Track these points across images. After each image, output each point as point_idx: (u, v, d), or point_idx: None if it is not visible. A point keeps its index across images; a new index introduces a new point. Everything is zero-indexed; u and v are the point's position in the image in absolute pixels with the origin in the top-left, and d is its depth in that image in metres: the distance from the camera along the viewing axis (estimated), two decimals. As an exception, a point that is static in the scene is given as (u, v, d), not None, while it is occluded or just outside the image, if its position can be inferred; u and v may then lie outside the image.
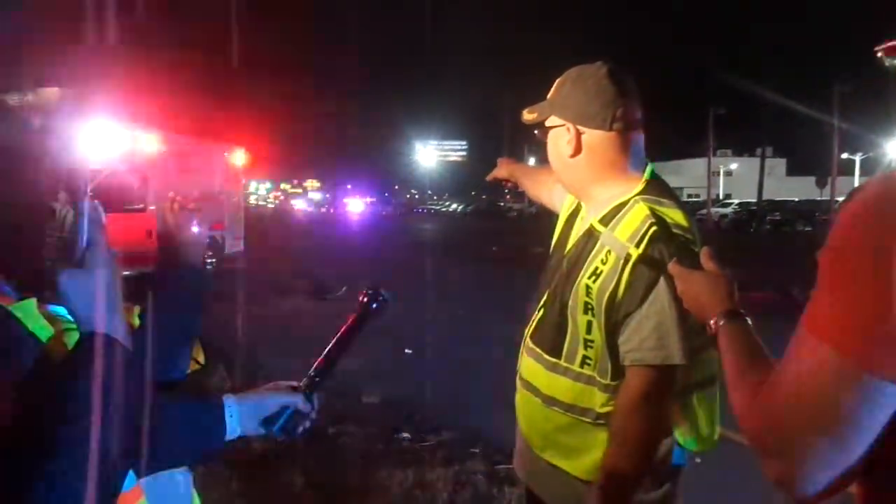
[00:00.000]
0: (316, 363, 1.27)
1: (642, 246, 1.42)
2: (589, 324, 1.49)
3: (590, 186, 1.58)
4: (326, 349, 1.27)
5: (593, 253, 1.52)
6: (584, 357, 1.51)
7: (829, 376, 0.73)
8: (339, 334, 1.28)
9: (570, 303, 1.53)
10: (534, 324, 1.67)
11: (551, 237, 1.78)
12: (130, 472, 0.93)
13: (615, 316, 1.44)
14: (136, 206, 10.34)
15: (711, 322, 1.14)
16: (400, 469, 3.72)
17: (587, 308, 1.49)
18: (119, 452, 0.78)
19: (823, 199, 34.42)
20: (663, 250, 1.40)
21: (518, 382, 1.70)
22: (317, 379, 1.25)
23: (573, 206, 1.72)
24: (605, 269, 1.47)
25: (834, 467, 0.75)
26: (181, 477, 1.20)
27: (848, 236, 0.76)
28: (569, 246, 1.64)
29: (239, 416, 1.16)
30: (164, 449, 1.06)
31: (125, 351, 0.82)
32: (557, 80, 1.60)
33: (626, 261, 1.43)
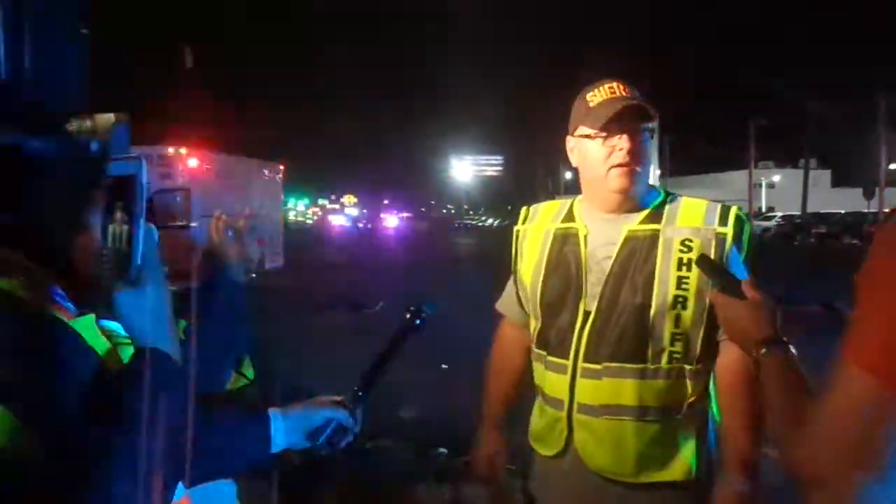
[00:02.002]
0: (359, 378, 1.29)
1: (730, 223, 1.53)
2: (677, 318, 1.52)
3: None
4: (370, 365, 1.30)
5: (659, 251, 1.54)
6: (672, 353, 1.53)
7: (871, 407, 0.71)
8: (381, 350, 1.30)
9: (652, 305, 1.52)
10: (584, 346, 1.58)
11: None
12: (179, 482, 0.96)
13: None
14: (180, 223, 10.59)
15: (753, 351, 1.12)
16: (436, 485, 3.71)
17: (677, 302, 1.52)
18: (169, 462, 0.81)
19: (871, 210, 33.28)
20: (747, 224, 1.55)
21: (579, 417, 1.58)
22: (360, 394, 1.28)
23: (551, 241, 1.71)
24: (695, 256, 1.51)
25: (878, 503, 0.72)
26: (227, 487, 1.23)
27: (887, 261, 0.73)
28: (592, 267, 1.60)
29: (284, 430, 1.19)
30: (212, 460, 1.08)
31: (175, 365, 0.85)
32: (628, 88, 1.61)
33: (722, 240, 1.52)
